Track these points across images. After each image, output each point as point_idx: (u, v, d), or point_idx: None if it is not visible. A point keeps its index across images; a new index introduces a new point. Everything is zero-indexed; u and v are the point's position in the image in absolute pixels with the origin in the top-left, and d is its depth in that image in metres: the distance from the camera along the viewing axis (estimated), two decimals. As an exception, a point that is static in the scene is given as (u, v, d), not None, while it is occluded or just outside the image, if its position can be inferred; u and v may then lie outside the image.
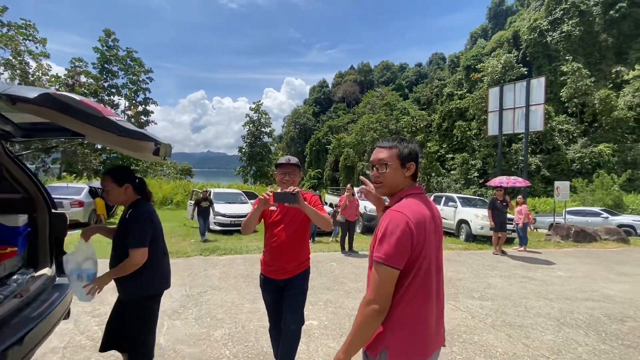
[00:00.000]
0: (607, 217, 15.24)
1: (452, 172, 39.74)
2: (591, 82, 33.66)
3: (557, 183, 13.43)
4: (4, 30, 24.54)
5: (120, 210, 15.02)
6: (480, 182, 36.68)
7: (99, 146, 31.49)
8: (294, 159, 2.21)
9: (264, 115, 36.96)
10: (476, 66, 42.61)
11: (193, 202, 11.23)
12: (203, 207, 9.14)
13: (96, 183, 12.45)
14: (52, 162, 28.24)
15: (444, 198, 12.07)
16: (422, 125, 42.33)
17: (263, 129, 37.03)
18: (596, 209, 16.95)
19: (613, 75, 35.39)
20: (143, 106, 34.51)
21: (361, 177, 1.79)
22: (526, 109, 13.77)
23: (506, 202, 8.12)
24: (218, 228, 10.21)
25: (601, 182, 24.47)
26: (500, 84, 16.09)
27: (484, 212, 10.55)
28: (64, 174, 23.92)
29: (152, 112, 35.01)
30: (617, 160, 30.30)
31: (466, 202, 11.58)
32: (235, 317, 3.57)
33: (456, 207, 11.18)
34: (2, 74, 24.19)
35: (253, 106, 36.87)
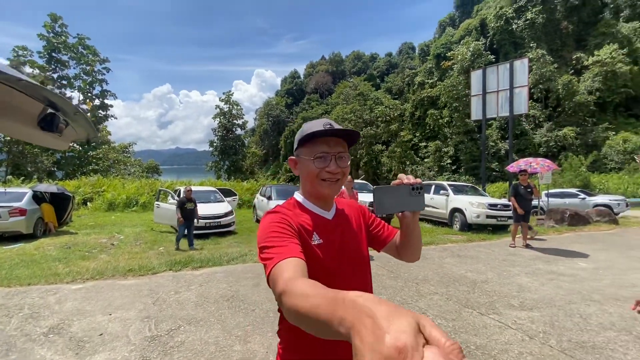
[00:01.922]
0: (585, 198, 15.44)
1: (425, 160, 40.11)
2: (554, 68, 34.85)
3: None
4: None
5: (77, 217, 13.23)
6: (453, 168, 37.30)
7: (51, 148, 28.35)
8: (337, 125, 1.01)
9: (235, 107, 35.06)
10: (446, 54, 42.93)
11: (161, 204, 9.82)
12: (187, 210, 7.35)
13: (42, 186, 10.64)
14: (-2, 164, 25.04)
15: (433, 186, 11.46)
16: (395, 115, 42.29)
17: (235, 121, 35.14)
18: (573, 190, 17.22)
19: (574, 62, 36.85)
20: (100, 99, 31.49)
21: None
22: (510, 92, 13.42)
23: (531, 188, 7.23)
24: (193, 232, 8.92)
25: (570, 164, 25.35)
26: (483, 67, 15.71)
27: (479, 199, 10.06)
28: (10, 177, 21.12)
29: (111, 106, 32.11)
30: (579, 142, 31.65)
31: (458, 190, 11.04)
32: (223, 369, 2.53)
33: (448, 196, 10.59)
34: None
35: (223, 97, 34.83)
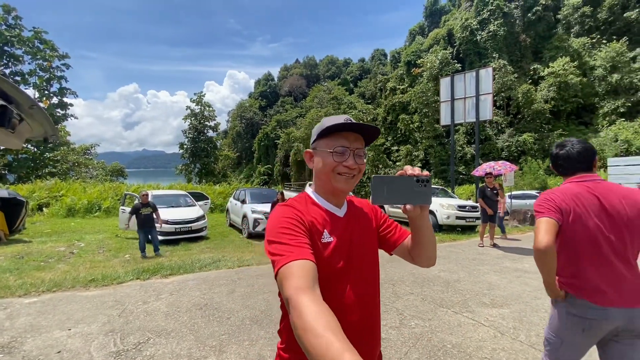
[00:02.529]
0: (544, 200, 16.49)
1: (397, 163, 41.18)
2: (514, 77, 37.14)
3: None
4: None
5: (31, 224, 12.21)
6: (424, 172, 38.56)
7: (2, 147, 26.18)
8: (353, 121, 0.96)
9: (207, 108, 34.12)
10: (416, 62, 44.44)
11: (127, 209, 9.29)
12: (143, 216, 6.96)
13: (-9, 191, 9.75)
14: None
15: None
16: (368, 119, 43.15)
17: (207, 123, 34.18)
18: (533, 192, 18.33)
19: (531, 72, 39.47)
20: (58, 97, 29.48)
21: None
22: (476, 99, 14.09)
23: (497, 189, 7.70)
24: (160, 238, 8.51)
25: (529, 167, 27.03)
26: (451, 74, 16.38)
27: (449, 201, 10.43)
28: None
29: (71, 105, 30.14)
30: (537, 147, 33.84)
31: (429, 193, 11.38)
32: (197, 383, 2.39)
33: (420, 198, 10.89)
34: None
35: (195, 98, 33.81)
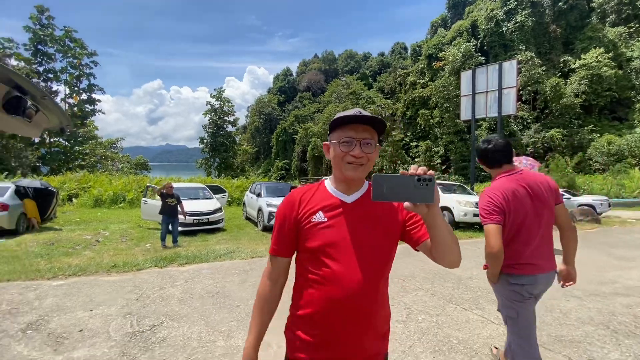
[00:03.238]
0: (570, 198, 15.79)
1: (416, 159, 40.46)
2: (542, 70, 35.49)
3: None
4: None
5: (61, 213, 12.93)
6: (443, 168, 37.72)
7: (37, 140, 27.76)
8: (368, 113, 1.03)
9: (226, 103, 34.73)
10: (437, 55, 43.29)
11: (149, 200, 9.67)
12: (168, 206, 7.23)
13: (25, 181, 10.35)
14: (-22, 159, 24.28)
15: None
16: (387, 114, 42.53)
17: (226, 118, 34.81)
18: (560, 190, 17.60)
19: (561, 64, 37.58)
20: (87, 94, 30.83)
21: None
22: (498, 92, 13.61)
23: None
24: (180, 229, 8.81)
25: (556, 165, 25.88)
26: (473, 67, 15.89)
27: (467, 198, 10.20)
28: (-9, 172, 20.52)
29: (99, 101, 31.45)
30: (565, 144, 32.32)
31: (446, 189, 11.17)
32: (205, 364, 2.51)
33: (437, 194, 10.71)
34: None
35: (214, 93, 34.47)
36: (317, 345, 1.03)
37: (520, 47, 38.32)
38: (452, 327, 3.20)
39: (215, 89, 34.87)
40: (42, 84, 27.79)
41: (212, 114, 34.39)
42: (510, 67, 13.73)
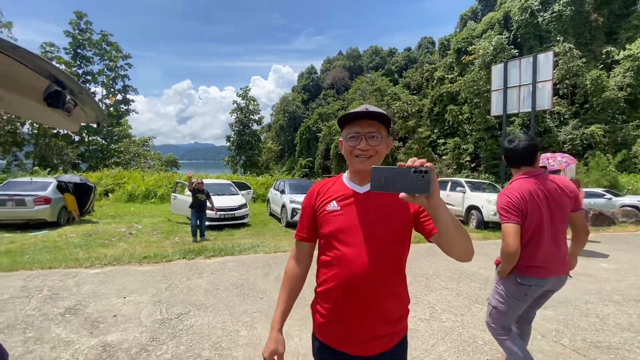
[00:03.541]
0: (611, 198, 14.75)
1: (444, 157, 39.26)
2: (582, 63, 33.25)
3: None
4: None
5: (98, 207, 13.76)
6: (472, 166, 36.37)
7: (77, 138, 29.62)
8: (375, 108, 1.13)
9: (251, 102, 35.37)
10: (467, 49, 41.71)
11: (178, 195, 10.06)
12: (198, 200, 7.49)
13: (66, 176, 11.08)
14: (25, 156, 26.26)
15: (450, 183, 11.22)
16: (413, 110, 41.64)
17: (251, 116, 35.48)
18: (599, 190, 16.47)
19: (604, 56, 35.06)
20: (122, 94, 32.48)
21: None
22: (532, 86, 12.94)
23: None
24: (207, 223, 9.10)
25: (597, 163, 24.19)
26: (504, 61, 15.19)
27: (496, 197, 9.80)
28: (36, 168, 22.17)
29: (133, 101, 33.03)
30: (607, 140, 30.17)
31: (475, 187, 10.78)
32: (229, 354, 2.58)
33: (464, 193, 10.36)
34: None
35: (240, 92, 35.20)
36: (329, 319, 1.14)
37: (558, 39, 36.13)
38: (478, 327, 3.10)
39: (241, 88, 35.63)
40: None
41: (238, 112, 35.15)
42: (545, 59, 13.01)
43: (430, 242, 1.10)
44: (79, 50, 29.39)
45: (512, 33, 41.37)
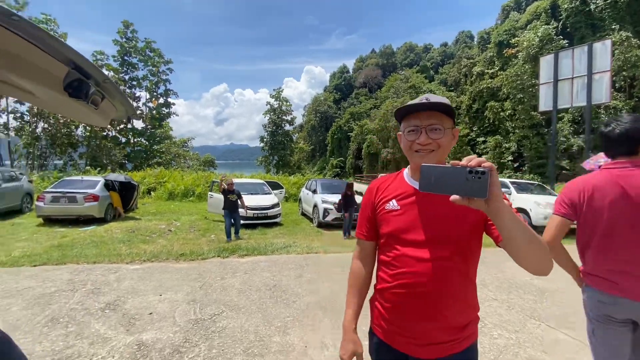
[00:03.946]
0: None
1: (483, 156, 37.24)
2: (642, 53, 29.99)
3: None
4: (25, 26, 24.49)
5: (141, 205, 14.53)
6: (515, 166, 34.12)
7: (123, 140, 31.73)
8: (437, 98, 1.02)
9: (284, 103, 35.83)
10: (509, 41, 39.26)
11: (214, 194, 10.29)
12: (229, 201, 7.47)
13: (112, 175, 11.76)
14: (79, 156, 28.52)
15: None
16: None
17: (284, 117, 35.94)
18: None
19: (667, 45, 31.39)
20: (164, 98, 34.23)
21: None
22: (588, 78, 11.75)
23: None
24: (241, 222, 9.20)
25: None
26: (554, 51, 13.98)
27: (547, 199, 8.99)
28: (88, 167, 23.99)
29: (174, 104, 34.68)
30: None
31: (521, 188, 9.99)
32: (261, 360, 2.46)
33: (510, 194, 9.62)
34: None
35: (274, 94, 35.78)
36: (388, 317, 1.10)
37: (613, 27, 32.88)
38: (537, 347, 2.73)
39: (274, 89, 36.22)
40: (128, 90, 31.54)
41: (272, 113, 35.77)
42: (603, 48, 11.79)
43: (498, 246, 1.00)
44: (125, 58, 31.38)
45: (561, 23, 38.32)
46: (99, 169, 23.20)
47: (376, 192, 1.17)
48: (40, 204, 8.98)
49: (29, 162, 25.49)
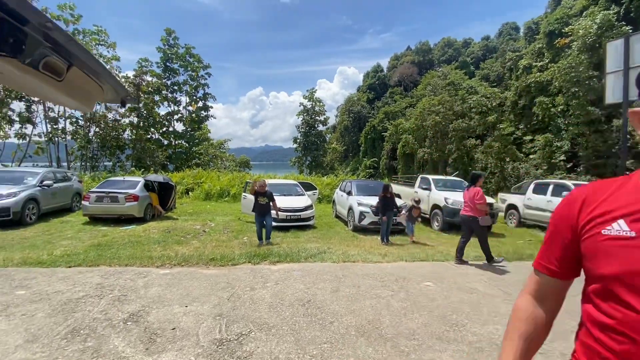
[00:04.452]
0: None
1: (530, 156, 34.37)
2: None
3: None
4: (80, 37, 26.49)
5: (180, 205, 14.92)
6: (568, 166, 31.11)
7: (165, 142, 33.31)
8: None
9: (317, 103, 35.64)
10: (561, 30, 35.98)
11: (248, 195, 10.16)
12: (259, 204, 6.99)
13: (152, 176, 12.09)
14: (126, 158, 30.27)
15: (551, 186, 9.33)
16: (493, 104, 37.46)
17: (317, 117, 35.75)
18: None
19: None
20: (203, 102, 35.45)
21: None
22: (668, 65, 10.11)
23: None
24: (273, 224, 8.93)
25: None
26: (624, 36, 12.30)
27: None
28: (133, 168, 25.31)
29: (212, 107, 35.80)
30: None
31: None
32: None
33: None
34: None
35: (307, 94, 35.73)
36: None
37: (690, 8, 28.91)
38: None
39: (307, 90, 36.17)
40: (169, 95, 33.02)
41: (305, 114, 35.72)
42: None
43: None
44: (167, 64, 32.89)
45: (624, 7, 34.42)
46: (142, 169, 24.41)
47: (582, 206, 0.79)
48: (86, 203, 9.33)
49: (83, 164, 27.46)
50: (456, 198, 9.47)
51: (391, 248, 6.83)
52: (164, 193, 11.22)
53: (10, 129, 24.24)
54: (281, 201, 9.26)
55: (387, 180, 24.61)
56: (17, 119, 24.17)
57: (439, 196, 9.90)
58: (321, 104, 36.02)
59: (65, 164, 27.13)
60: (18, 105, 24.45)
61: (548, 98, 34.20)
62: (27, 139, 25.13)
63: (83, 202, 9.50)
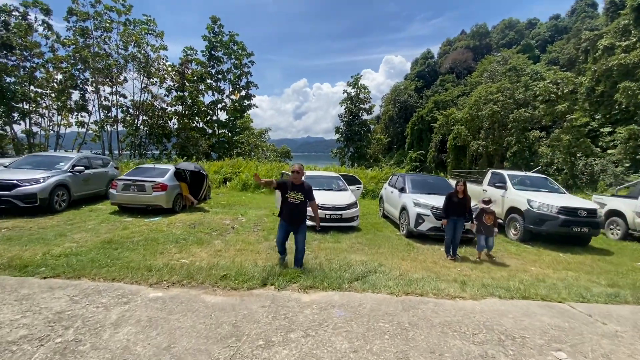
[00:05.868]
0: None
1: (609, 151, 29.29)
2: None
3: None
4: (131, 27, 27.10)
5: (215, 195, 14.22)
6: (659, 164, 25.89)
7: (209, 130, 33.53)
8: None
9: (362, 90, 33.50)
10: (658, 2, 29.91)
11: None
12: (290, 204, 4.47)
13: (183, 164, 11.28)
14: (172, 146, 30.86)
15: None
16: (565, 91, 32.52)
17: (362, 105, 33.66)
18: None
19: None
20: (245, 90, 35.07)
21: None
22: None
23: None
24: (309, 223, 7.47)
25: None
26: None
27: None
28: (176, 156, 25.52)
29: (254, 96, 35.30)
30: None
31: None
32: None
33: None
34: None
35: (351, 81, 33.72)
36: None
37: None
38: None
39: (352, 76, 34.12)
40: (213, 83, 32.99)
41: (348, 102, 33.84)
42: None
43: None
44: (212, 52, 32.81)
45: None
46: (185, 157, 24.42)
47: None
48: (113, 191, 8.67)
49: (132, 151, 28.37)
50: (543, 200, 7.32)
51: (464, 267, 5.07)
52: (194, 182, 10.34)
53: (72, 118, 25.63)
54: (320, 197, 7.77)
55: (445, 175, 22.06)
56: (74, 106, 25.41)
57: (519, 197, 7.79)
58: (366, 90, 33.84)
59: (116, 151, 28.32)
60: (76, 95, 25.71)
61: (635, 83, 28.80)
62: (85, 127, 26.41)
63: (110, 189, 8.85)
